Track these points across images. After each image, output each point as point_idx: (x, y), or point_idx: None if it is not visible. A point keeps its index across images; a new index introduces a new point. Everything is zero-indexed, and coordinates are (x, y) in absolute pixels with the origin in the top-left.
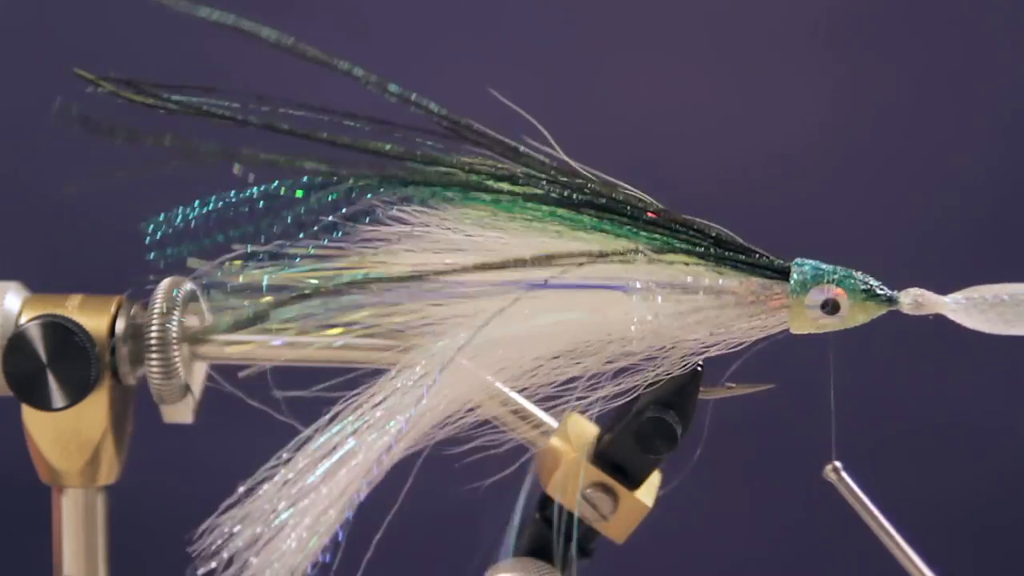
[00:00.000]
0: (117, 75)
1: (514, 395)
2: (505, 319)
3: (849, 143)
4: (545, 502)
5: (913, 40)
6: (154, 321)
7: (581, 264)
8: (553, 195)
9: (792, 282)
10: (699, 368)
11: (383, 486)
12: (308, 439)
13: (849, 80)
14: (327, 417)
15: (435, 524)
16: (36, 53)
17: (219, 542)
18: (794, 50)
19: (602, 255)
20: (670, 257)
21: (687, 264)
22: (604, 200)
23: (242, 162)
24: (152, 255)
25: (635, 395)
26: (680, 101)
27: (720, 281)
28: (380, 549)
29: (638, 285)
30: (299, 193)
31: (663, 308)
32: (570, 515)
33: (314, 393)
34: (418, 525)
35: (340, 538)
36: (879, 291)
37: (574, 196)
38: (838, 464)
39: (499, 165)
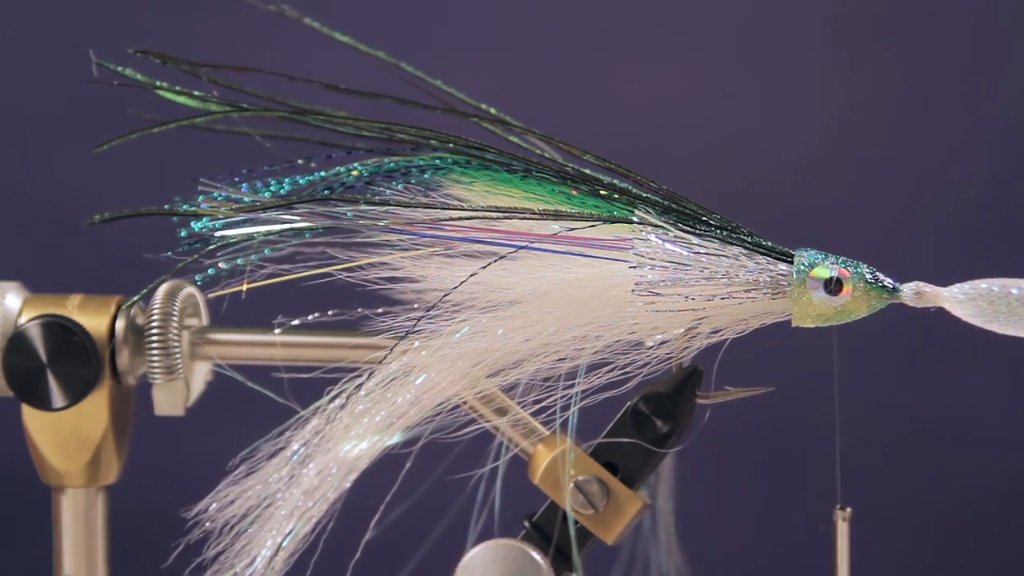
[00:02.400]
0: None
1: (513, 404)
2: (507, 308)
3: (846, 141)
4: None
5: (917, 38)
6: (155, 321)
7: (591, 224)
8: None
9: (796, 262)
10: (697, 368)
11: (377, 479)
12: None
13: (848, 77)
14: (326, 399)
15: (423, 513)
16: (35, 56)
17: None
18: (797, 50)
19: (613, 219)
20: (673, 231)
21: (689, 236)
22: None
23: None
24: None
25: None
26: (680, 102)
27: (722, 257)
28: (370, 545)
29: (642, 247)
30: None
31: (664, 276)
32: (559, 517)
33: (317, 376)
34: (406, 514)
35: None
36: (882, 280)
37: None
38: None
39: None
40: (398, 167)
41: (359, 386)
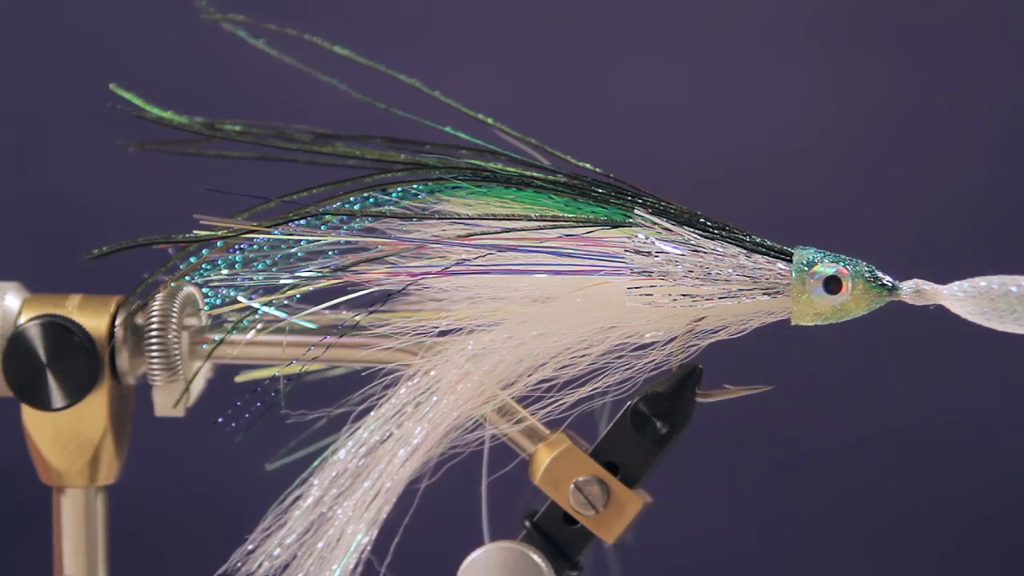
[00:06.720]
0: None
1: (514, 405)
2: (509, 317)
3: (845, 139)
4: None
5: (913, 34)
6: (154, 321)
7: (589, 230)
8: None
9: (795, 261)
10: (697, 367)
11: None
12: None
13: (847, 75)
14: (349, 429)
15: (423, 515)
16: (35, 57)
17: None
18: (792, 46)
19: (611, 223)
20: (671, 233)
21: (687, 237)
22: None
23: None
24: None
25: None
26: (677, 100)
27: (721, 256)
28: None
29: (640, 248)
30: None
31: (662, 276)
32: (558, 516)
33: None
34: (406, 517)
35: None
36: (881, 278)
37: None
38: None
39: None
40: (393, 194)
41: (389, 400)
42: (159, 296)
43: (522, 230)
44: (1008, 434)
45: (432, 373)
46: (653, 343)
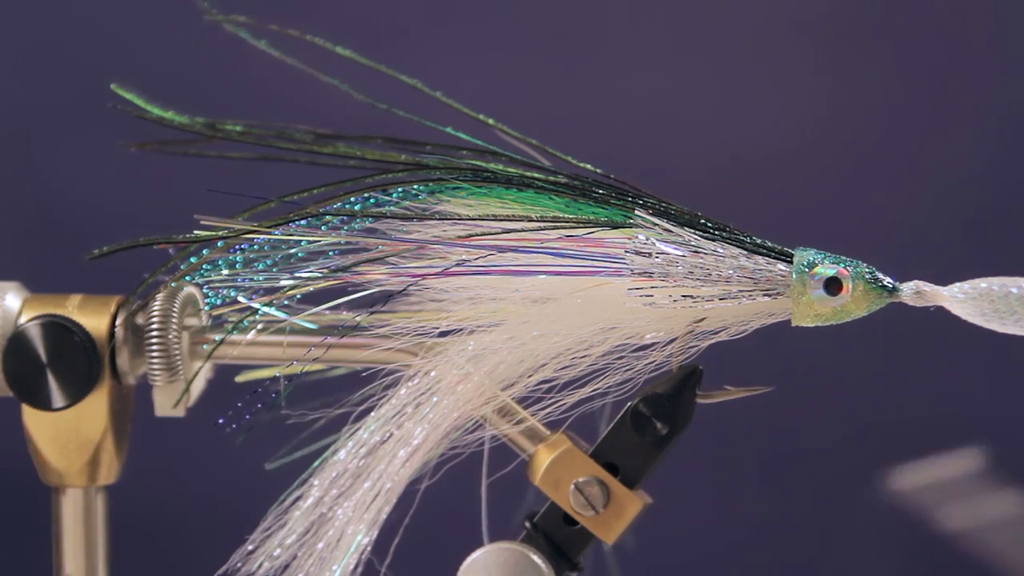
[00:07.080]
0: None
1: (515, 405)
2: (509, 317)
3: (844, 140)
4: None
5: (914, 34)
6: (155, 322)
7: (590, 231)
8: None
9: (795, 262)
10: (697, 368)
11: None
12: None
13: (845, 75)
14: (350, 430)
15: (423, 515)
16: (36, 55)
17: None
18: (790, 47)
19: (611, 224)
20: (671, 233)
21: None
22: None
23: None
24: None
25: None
26: (677, 102)
27: (722, 257)
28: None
29: (640, 249)
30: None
31: (662, 277)
32: (558, 516)
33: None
34: (405, 517)
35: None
36: (882, 279)
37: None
38: None
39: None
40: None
41: (389, 400)
42: (159, 296)
43: (523, 231)
44: (1005, 428)
45: (432, 374)
46: (653, 344)
